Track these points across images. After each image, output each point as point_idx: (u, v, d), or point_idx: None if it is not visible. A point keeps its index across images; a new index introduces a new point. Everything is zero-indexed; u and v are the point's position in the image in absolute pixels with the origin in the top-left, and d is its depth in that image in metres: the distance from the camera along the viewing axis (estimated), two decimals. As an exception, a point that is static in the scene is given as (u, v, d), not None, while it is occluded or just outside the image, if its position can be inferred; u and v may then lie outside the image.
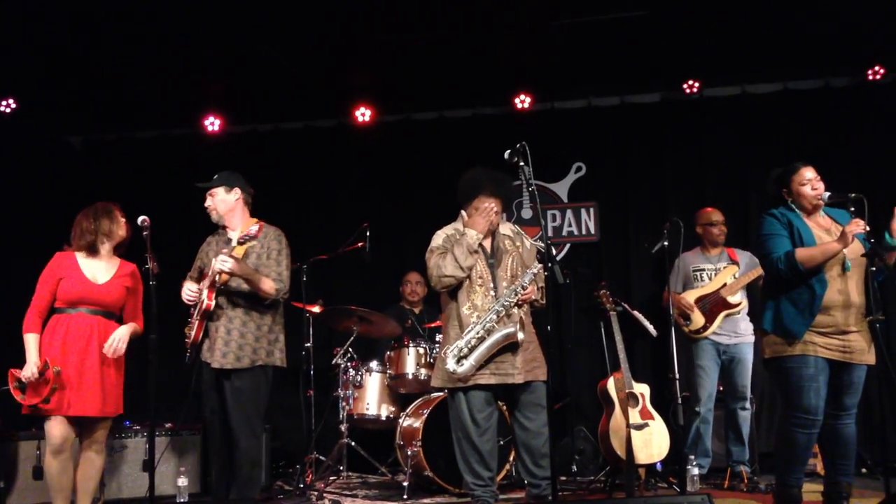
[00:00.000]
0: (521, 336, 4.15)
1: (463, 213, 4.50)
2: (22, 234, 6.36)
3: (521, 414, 4.35)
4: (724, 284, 5.59)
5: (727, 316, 5.56)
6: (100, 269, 4.30)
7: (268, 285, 4.38)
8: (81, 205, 4.36)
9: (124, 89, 6.62)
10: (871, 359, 3.99)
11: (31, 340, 4.13)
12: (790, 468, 3.97)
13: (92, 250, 4.30)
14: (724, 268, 5.68)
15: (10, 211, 6.43)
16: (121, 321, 4.35)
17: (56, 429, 4.08)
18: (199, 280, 4.59)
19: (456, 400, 4.26)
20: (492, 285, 4.26)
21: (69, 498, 4.18)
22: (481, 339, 4.17)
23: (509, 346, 4.19)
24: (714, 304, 5.57)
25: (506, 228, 4.42)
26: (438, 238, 4.45)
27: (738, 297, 5.57)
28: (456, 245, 4.29)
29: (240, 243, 4.35)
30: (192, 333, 4.42)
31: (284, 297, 4.52)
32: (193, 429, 5.55)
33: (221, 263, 4.23)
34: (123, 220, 4.40)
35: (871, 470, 5.67)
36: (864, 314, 3.97)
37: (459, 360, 4.17)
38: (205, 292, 4.36)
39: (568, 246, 6.90)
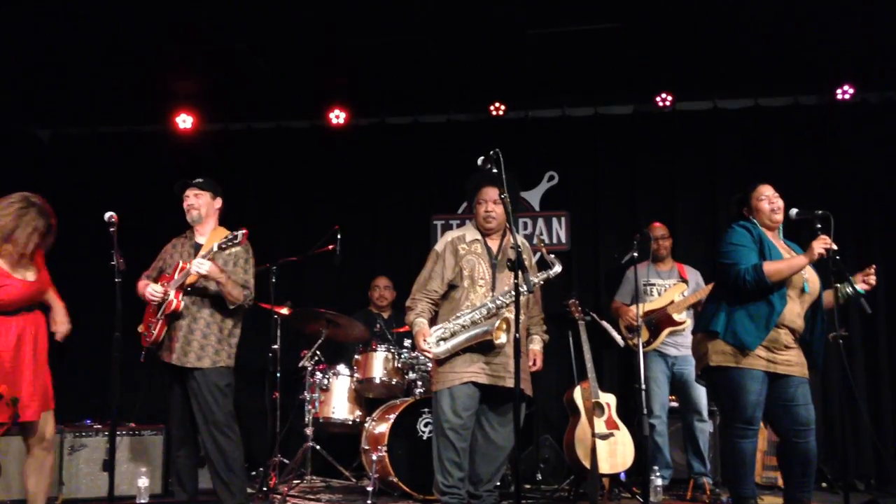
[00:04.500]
0: (502, 339, 4.19)
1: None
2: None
3: (489, 423, 4.39)
4: (672, 302, 5.66)
5: (671, 333, 5.62)
6: (22, 263, 3.99)
7: (236, 291, 4.50)
8: (48, 200, 4.24)
9: (96, 83, 6.54)
10: (807, 373, 4.05)
11: None
12: (744, 480, 4.00)
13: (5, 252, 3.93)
14: (674, 285, 5.77)
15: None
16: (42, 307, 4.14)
17: None
18: (157, 280, 4.62)
19: (441, 395, 4.28)
20: (492, 286, 4.32)
21: None
22: (464, 328, 4.26)
23: (499, 350, 4.23)
24: (660, 321, 5.64)
25: (519, 238, 4.45)
26: (440, 243, 4.54)
27: (684, 316, 5.65)
28: (416, 325, 4.39)
29: (220, 248, 4.42)
30: (155, 332, 4.45)
31: (249, 305, 4.64)
32: (155, 429, 5.49)
33: (198, 266, 4.35)
34: (36, 226, 3.97)
35: (831, 484, 5.74)
36: (801, 335, 4.05)
37: (439, 341, 4.28)
38: (171, 292, 4.44)
39: (538, 255, 6.91)
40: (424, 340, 4.29)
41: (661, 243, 5.87)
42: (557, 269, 4.43)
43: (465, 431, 4.28)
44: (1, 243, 3.92)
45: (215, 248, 4.43)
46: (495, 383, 4.26)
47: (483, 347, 4.26)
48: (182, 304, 4.46)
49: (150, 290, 4.52)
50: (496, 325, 4.18)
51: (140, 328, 4.67)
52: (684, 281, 5.76)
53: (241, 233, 4.44)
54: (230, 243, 4.43)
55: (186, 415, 4.57)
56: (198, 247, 4.67)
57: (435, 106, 7.08)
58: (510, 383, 4.18)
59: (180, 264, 4.55)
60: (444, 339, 4.29)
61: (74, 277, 6.41)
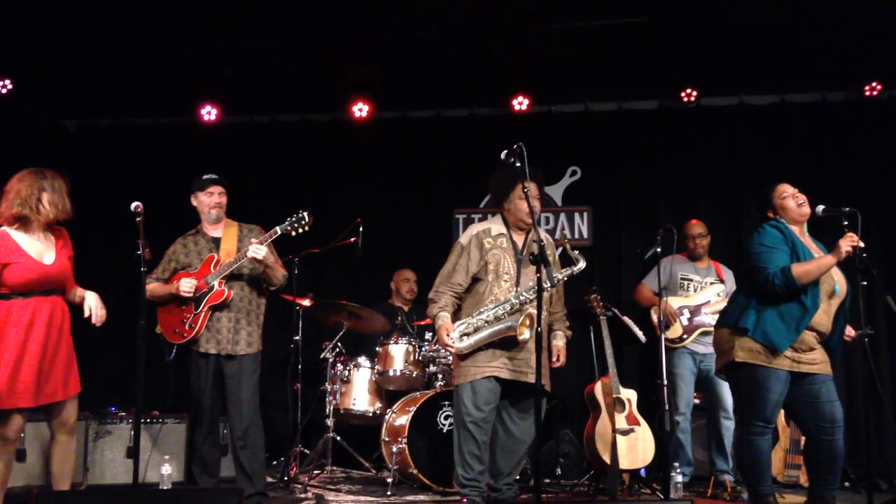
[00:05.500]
0: (525, 335, 4.19)
1: (500, 213, 4.53)
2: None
3: (510, 417, 4.39)
4: (708, 301, 5.60)
5: (704, 333, 5.56)
6: (40, 245, 3.94)
7: (280, 273, 4.71)
8: (75, 189, 4.25)
9: (122, 75, 6.59)
10: (831, 371, 4.02)
11: None
12: (762, 477, 3.98)
13: (24, 226, 3.89)
14: (711, 284, 5.69)
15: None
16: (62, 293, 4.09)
17: (16, 423, 3.86)
18: (167, 282, 4.66)
19: (462, 389, 4.29)
20: (517, 281, 4.32)
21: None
22: (488, 323, 4.25)
23: (521, 345, 4.23)
24: (694, 317, 5.58)
25: (542, 234, 4.44)
26: (465, 236, 4.49)
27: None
28: (439, 317, 4.33)
29: (287, 231, 4.56)
30: (196, 325, 4.54)
31: (286, 283, 4.84)
32: (178, 417, 5.54)
33: (256, 251, 4.45)
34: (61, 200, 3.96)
35: (854, 483, 5.69)
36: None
37: (463, 336, 4.27)
38: (215, 283, 4.55)
39: (560, 249, 6.88)
40: (448, 335, 4.29)
41: (698, 241, 5.74)
42: (581, 265, 4.42)
43: (486, 425, 4.29)
44: (33, 214, 3.89)
45: (279, 231, 4.54)
46: (517, 378, 4.27)
47: (505, 342, 4.26)
48: (231, 293, 4.57)
49: (185, 284, 4.56)
50: (520, 320, 4.18)
51: (158, 329, 4.72)
52: (721, 281, 5.69)
53: (306, 213, 4.53)
54: (297, 224, 4.53)
55: (217, 404, 4.65)
56: (216, 241, 4.72)
57: (457, 100, 7.08)
58: (532, 379, 4.19)
59: (214, 257, 4.60)
60: (468, 335, 4.28)
61: (100, 266, 6.51)
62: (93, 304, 4.07)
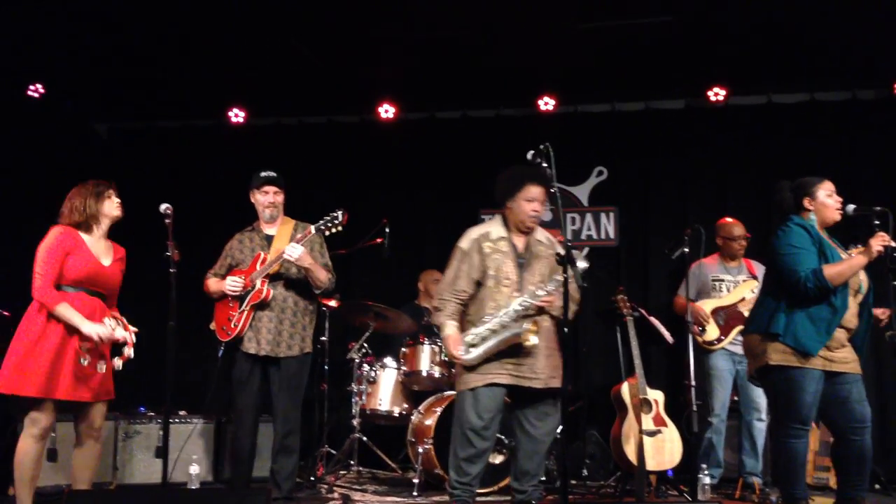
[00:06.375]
0: (533, 340, 4.10)
1: (501, 214, 4.42)
2: (45, 220, 6.38)
3: (527, 420, 4.34)
4: (743, 299, 5.55)
5: (742, 332, 5.51)
6: (102, 249, 4.09)
7: (324, 275, 4.64)
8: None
9: (151, 78, 6.66)
10: (860, 370, 3.99)
11: (68, 308, 3.84)
12: (796, 480, 3.94)
13: (86, 228, 4.05)
14: (744, 281, 5.64)
15: (35, 196, 6.47)
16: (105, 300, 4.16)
17: (49, 413, 3.88)
18: (224, 278, 4.69)
19: (463, 396, 4.24)
20: (518, 286, 4.24)
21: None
22: (494, 332, 4.13)
23: (528, 350, 4.16)
24: (730, 317, 5.53)
25: (541, 235, 4.39)
26: (465, 240, 4.35)
27: None
28: (446, 328, 4.23)
29: (319, 230, 4.56)
30: (239, 324, 4.55)
31: (333, 287, 4.76)
32: (207, 417, 5.58)
33: (292, 250, 4.42)
34: (118, 200, 4.16)
35: (885, 486, 5.62)
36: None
37: (469, 347, 4.15)
38: (258, 282, 4.54)
39: (587, 250, 6.87)
40: (457, 347, 4.15)
41: (741, 243, 5.68)
42: (583, 265, 4.24)
43: (487, 432, 4.19)
44: (105, 220, 4.07)
45: (313, 230, 4.53)
46: (519, 384, 4.17)
47: (511, 348, 4.14)
48: (272, 292, 4.55)
49: (230, 282, 4.59)
50: (525, 326, 4.09)
51: (212, 325, 4.76)
52: (754, 277, 5.64)
53: (340, 212, 4.50)
54: (331, 223, 4.51)
55: (259, 405, 4.67)
56: (269, 238, 4.75)
57: (484, 100, 7.07)
58: (536, 384, 4.15)
59: (261, 255, 4.63)
60: (475, 346, 4.14)
61: (130, 267, 6.58)
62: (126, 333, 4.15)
